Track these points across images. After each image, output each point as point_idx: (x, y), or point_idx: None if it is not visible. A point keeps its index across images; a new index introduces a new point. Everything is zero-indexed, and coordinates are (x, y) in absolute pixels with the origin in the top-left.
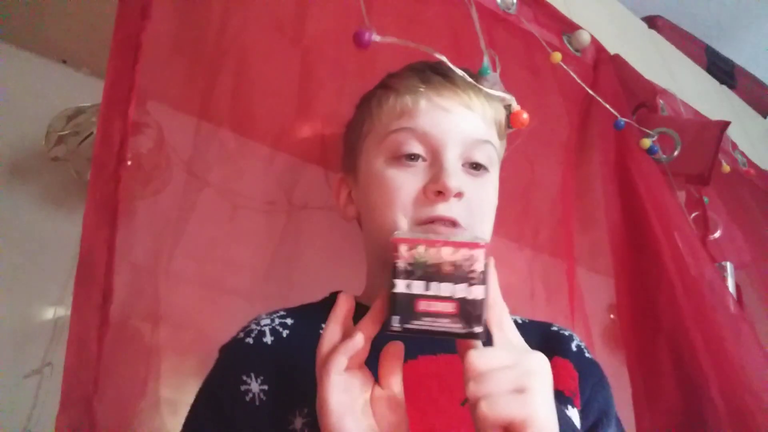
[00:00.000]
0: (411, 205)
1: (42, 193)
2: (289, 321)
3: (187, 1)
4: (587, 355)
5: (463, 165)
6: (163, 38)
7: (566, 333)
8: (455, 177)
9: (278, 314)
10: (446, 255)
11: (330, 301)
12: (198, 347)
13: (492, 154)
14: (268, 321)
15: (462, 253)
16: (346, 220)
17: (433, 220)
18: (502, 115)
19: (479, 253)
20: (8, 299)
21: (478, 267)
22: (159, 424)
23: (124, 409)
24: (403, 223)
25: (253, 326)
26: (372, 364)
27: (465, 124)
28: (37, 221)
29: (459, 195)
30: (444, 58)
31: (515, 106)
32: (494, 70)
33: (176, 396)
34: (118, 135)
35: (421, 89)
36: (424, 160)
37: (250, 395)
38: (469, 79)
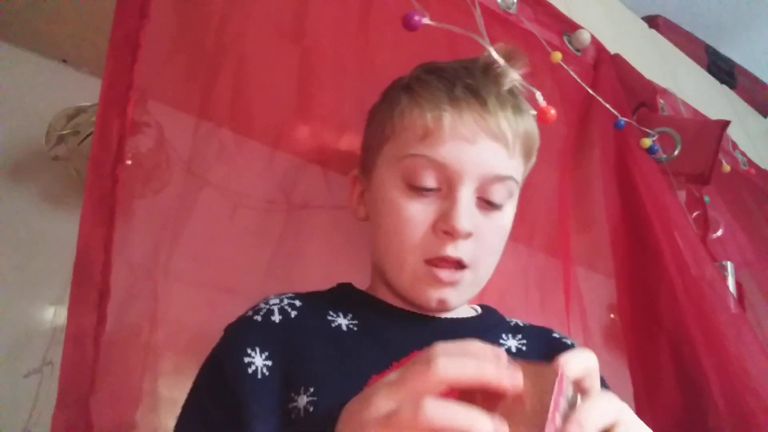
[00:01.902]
0: (420, 240)
1: (42, 193)
2: (297, 303)
3: (187, 0)
4: None
5: (478, 198)
6: (163, 37)
7: (568, 342)
8: (466, 217)
9: (287, 296)
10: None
11: (337, 291)
12: (196, 347)
13: (512, 188)
14: (276, 301)
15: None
16: (357, 219)
17: (440, 260)
18: (534, 130)
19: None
20: (8, 299)
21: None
22: (157, 424)
23: (122, 409)
24: (410, 258)
25: (262, 305)
26: (376, 360)
27: (487, 157)
28: (37, 221)
29: (468, 235)
30: (491, 49)
31: (541, 102)
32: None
33: (175, 395)
34: (116, 134)
35: (446, 110)
36: (438, 189)
37: (253, 368)
38: (511, 77)
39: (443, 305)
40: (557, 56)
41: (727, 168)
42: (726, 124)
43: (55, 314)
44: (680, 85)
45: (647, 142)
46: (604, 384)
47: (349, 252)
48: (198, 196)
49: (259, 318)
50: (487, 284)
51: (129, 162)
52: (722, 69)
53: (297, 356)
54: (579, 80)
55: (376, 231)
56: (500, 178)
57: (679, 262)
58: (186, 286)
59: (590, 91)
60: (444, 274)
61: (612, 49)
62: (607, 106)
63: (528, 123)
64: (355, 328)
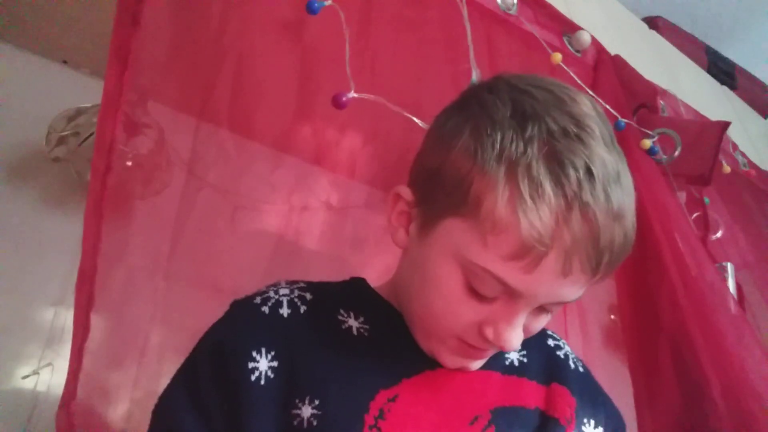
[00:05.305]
0: (461, 330)
1: (42, 193)
2: (308, 295)
3: (187, 1)
4: (581, 370)
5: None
6: (164, 39)
7: (562, 355)
8: (518, 337)
9: (298, 285)
10: None
11: (350, 287)
12: None
13: None
14: (287, 291)
15: None
16: (393, 242)
17: (476, 348)
18: (631, 246)
19: None
20: (8, 299)
21: None
22: None
23: (123, 409)
24: (443, 335)
25: (271, 294)
26: (385, 373)
27: (568, 291)
28: (37, 221)
29: None
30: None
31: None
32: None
33: None
34: (114, 138)
35: (550, 248)
36: (498, 298)
37: (257, 374)
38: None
39: (462, 369)
40: (557, 57)
41: (727, 169)
42: (726, 125)
43: (55, 315)
44: (680, 86)
45: (647, 143)
46: (602, 392)
47: (348, 253)
48: (198, 197)
49: (266, 309)
50: None
51: (129, 163)
52: (722, 70)
53: (303, 360)
54: (579, 81)
55: (413, 288)
56: (568, 302)
57: (679, 263)
58: (186, 286)
59: (590, 93)
60: (475, 357)
61: (612, 50)
62: (607, 107)
63: (629, 245)
64: (366, 333)
